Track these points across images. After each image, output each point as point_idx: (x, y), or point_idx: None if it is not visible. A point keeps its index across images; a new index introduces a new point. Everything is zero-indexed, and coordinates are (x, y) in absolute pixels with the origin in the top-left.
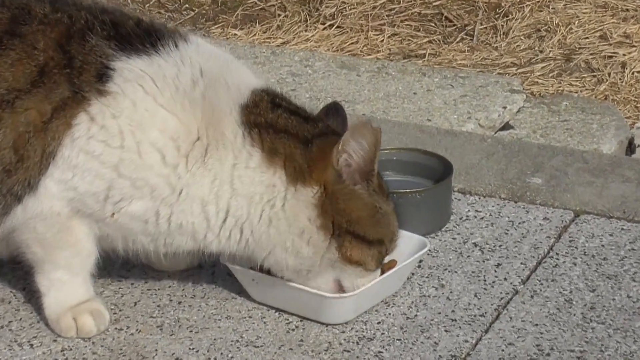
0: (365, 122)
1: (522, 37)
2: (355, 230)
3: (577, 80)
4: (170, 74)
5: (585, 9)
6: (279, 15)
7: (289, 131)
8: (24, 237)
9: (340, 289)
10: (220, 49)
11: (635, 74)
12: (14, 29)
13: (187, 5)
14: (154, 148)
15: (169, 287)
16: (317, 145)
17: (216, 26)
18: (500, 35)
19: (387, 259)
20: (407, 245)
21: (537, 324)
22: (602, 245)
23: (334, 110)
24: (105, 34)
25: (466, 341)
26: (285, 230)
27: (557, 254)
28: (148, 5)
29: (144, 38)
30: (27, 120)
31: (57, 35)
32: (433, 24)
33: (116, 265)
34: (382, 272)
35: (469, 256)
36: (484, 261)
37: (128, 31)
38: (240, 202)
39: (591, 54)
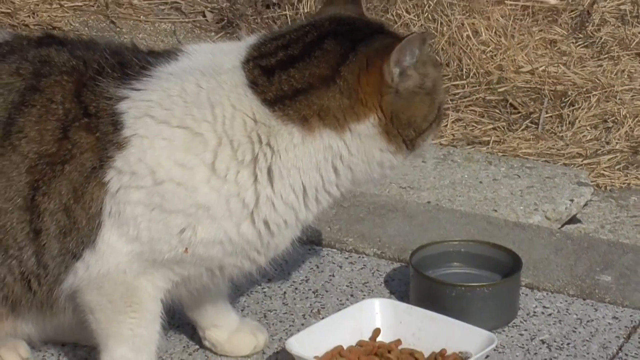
0: (416, 35)
1: (588, 128)
2: (423, 129)
3: None
4: (174, 90)
5: None
6: None
7: (302, 88)
8: (88, 299)
9: None
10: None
11: None
12: (35, 84)
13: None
14: (185, 169)
15: None
16: (347, 71)
17: None
18: (565, 125)
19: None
20: (475, 340)
21: None
22: None
23: None
24: (115, 74)
25: None
26: (365, 169)
27: (626, 354)
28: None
29: (142, 64)
30: (67, 189)
31: (73, 86)
32: (498, 111)
33: (177, 349)
34: None
35: (535, 353)
36: (551, 359)
37: (130, 63)
38: (311, 175)
39: None
